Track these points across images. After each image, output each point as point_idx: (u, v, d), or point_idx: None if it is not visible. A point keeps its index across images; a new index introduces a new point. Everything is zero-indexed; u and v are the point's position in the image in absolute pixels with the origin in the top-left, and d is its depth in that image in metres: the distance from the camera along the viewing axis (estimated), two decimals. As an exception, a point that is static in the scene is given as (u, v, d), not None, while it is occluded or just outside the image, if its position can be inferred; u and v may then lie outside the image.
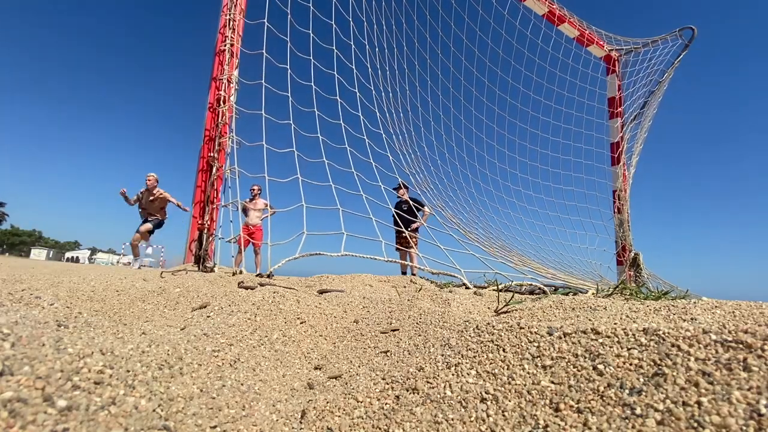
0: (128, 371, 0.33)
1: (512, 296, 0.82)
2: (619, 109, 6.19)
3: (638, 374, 0.30)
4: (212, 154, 2.88)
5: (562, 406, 0.30)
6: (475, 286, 1.76)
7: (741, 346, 0.29)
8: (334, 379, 0.52)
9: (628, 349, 0.33)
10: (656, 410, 0.27)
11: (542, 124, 5.25)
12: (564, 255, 4.66)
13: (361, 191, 2.56)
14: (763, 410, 0.25)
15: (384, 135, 3.01)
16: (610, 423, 0.27)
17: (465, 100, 4.47)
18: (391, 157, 2.96)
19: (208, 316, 0.75)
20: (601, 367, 0.32)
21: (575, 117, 5.65)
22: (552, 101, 5.37)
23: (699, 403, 0.26)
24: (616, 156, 5.89)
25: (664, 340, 0.32)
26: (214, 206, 2.81)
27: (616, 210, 5.80)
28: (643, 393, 0.28)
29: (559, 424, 0.28)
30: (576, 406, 0.29)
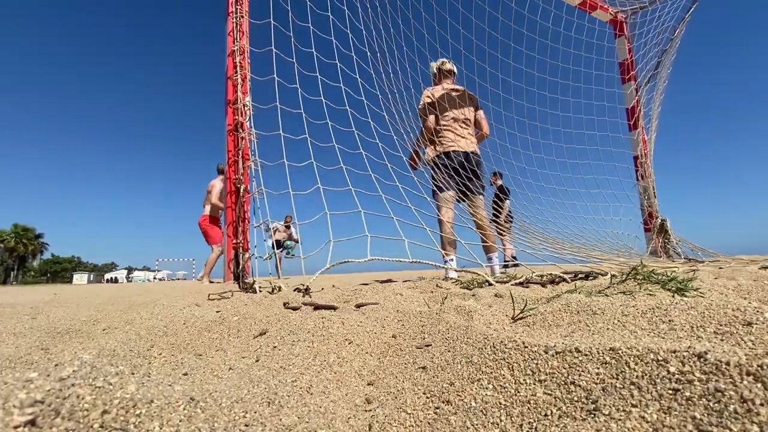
0: (255, 412, 0.49)
1: (525, 304, 0.95)
2: (632, 73, 6.05)
3: (600, 387, 0.43)
4: (238, 177, 3.07)
5: (550, 412, 0.44)
6: (497, 282, 1.89)
7: (668, 365, 0.42)
8: (386, 394, 0.67)
9: (597, 366, 0.46)
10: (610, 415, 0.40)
11: (551, 101, 5.20)
12: (587, 229, 4.66)
13: (380, 192, 2.68)
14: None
15: (387, 117, 3.06)
16: (580, 422, 0.41)
17: (478, 77, 4.45)
18: (395, 137, 3.02)
19: (275, 347, 0.91)
20: (578, 380, 0.46)
21: (584, 89, 5.56)
22: (558, 76, 5.30)
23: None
24: (632, 122, 5.79)
25: (621, 358, 0.45)
26: (246, 226, 3.00)
27: (639, 177, 5.73)
28: (600, 400, 0.41)
29: (546, 425, 0.42)
30: (558, 412, 0.43)
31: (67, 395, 0.41)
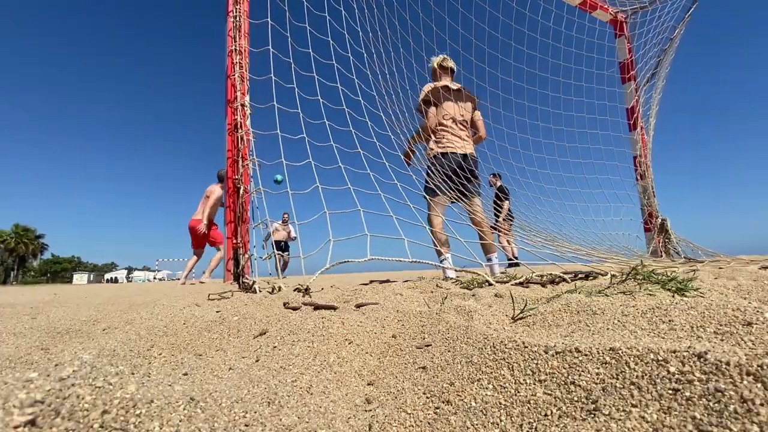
0: (255, 412, 0.49)
1: (525, 304, 0.95)
2: (632, 73, 6.05)
3: (600, 387, 0.43)
4: (237, 177, 3.06)
5: (550, 412, 0.44)
6: (497, 282, 1.89)
7: (670, 364, 0.42)
8: (386, 394, 0.67)
9: (596, 366, 0.46)
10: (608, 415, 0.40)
11: (553, 100, 5.19)
12: (588, 231, 4.66)
13: (378, 190, 2.67)
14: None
15: (384, 117, 3.05)
16: (580, 422, 0.41)
17: (478, 77, 4.43)
18: (392, 136, 3.02)
19: (275, 347, 0.91)
20: (578, 380, 0.46)
21: (586, 88, 5.55)
22: (560, 76, 5.29)
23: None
24: (632, 122, 5.80)
25: (621, 358, 0.45)
26: (246, 226, 3.00)
27: (638, 177, 5.74)
28: (600, 400, 0.41)
29: (546, 425, 0.42)
30: (558, 412, 0.43)
31: (67, 395, 0.41)
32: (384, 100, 3.25)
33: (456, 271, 2.85)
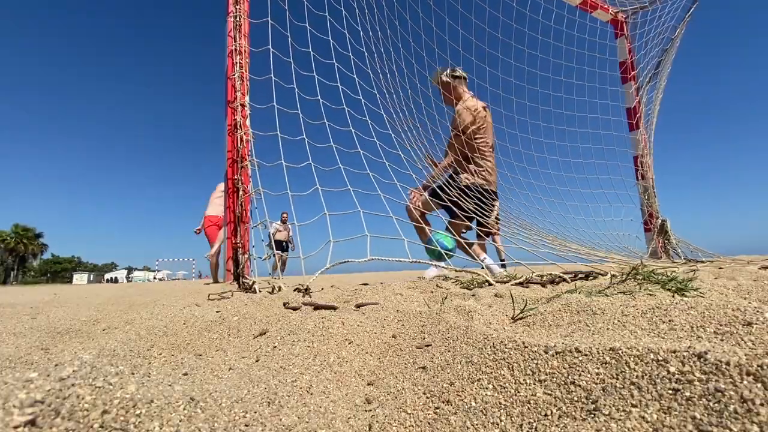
0: (255, 412, 0.49)
1: (525, 305, 0.95)
2: (633, 73, 6.04)
3: (600, 387, 0.43)
4: (237, 177, 3.06)
5: (550, 412, 0.44)
6: (496, 282, 1.89)
7: (670, 362, 0.42)
8: (386, 394, 0.67)
9: (596, 366, 0.46)
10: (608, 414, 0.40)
11: (554, 99, 5.19)
12: (587, 231, 4.65)
13: (378, 191, 2.67)
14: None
15: (384, 115, 3.04)
16: (580, 422, 0.41)
17: (478, 77, 4.41)
18: (393, 135, 3.01)
19: (275, 347, 0.91)
20: (578, 380, 0.46)
21: (588, 87, 5.53)
22: (561, 75, 5.28)
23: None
24: (634, 122, 5.79)
25: (621, 358, 0.45)
26: (246, 226, 3.00)
27: (639, 177, 5.73)
28: (600, 400, 0.41)
29: (546, 425, 0.42)
30: (558, 412, 0.43)
31: (67, 395, 0.41)
32: (385, 98, 3.25)
33: (457, 271, 2.83)
